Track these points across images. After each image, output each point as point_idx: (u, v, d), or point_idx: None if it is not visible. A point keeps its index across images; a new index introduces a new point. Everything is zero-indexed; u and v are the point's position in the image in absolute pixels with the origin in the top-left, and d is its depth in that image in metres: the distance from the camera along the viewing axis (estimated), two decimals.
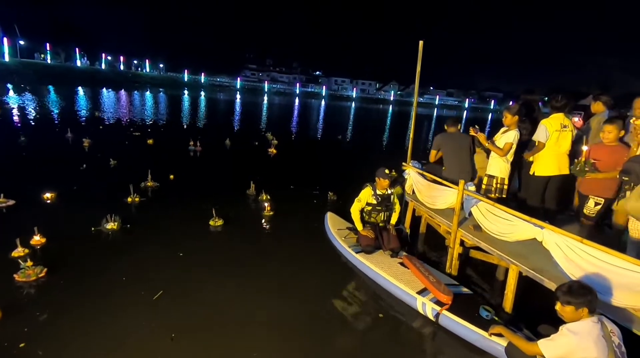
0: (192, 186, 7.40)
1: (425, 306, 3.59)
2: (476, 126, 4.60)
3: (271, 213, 6.19)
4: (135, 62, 72.91)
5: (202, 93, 53.19)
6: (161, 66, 78.08)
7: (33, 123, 14.14)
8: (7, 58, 42.82)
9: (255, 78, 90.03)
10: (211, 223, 5.44)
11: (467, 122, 43.79)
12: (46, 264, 3.90)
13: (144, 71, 72.02)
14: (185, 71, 72.71)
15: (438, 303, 3.56)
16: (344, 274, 4.47)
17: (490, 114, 75.43)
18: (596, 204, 3.74)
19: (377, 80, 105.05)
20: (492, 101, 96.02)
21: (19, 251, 4.02)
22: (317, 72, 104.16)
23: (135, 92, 41.18)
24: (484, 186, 4.30)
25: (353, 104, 64.42)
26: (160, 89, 50.89)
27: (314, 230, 5.63)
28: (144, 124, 16.25)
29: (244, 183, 7.37)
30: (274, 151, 11.72)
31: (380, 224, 4.74)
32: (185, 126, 17.34)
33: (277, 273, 4.30)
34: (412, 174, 5.54)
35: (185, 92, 50.02)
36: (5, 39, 42.62)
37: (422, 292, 3.75)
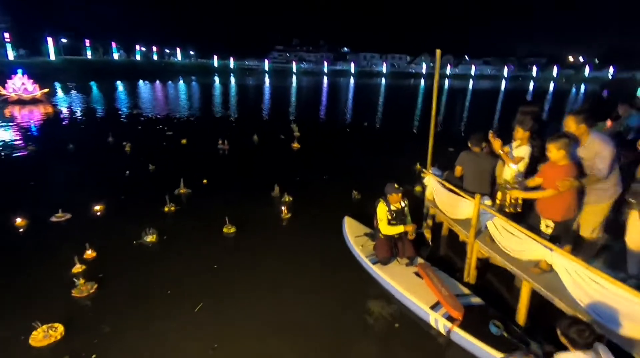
0: (221, 191, 7.84)
1: (438, 322, 3.77)
2: (492, 131, 4.55)
3: (288, 215, 6.55)
4: (167, 51, 74.96)
5: (232, 79, 54.09)
6: (192, 53, 79.70)
7: (79, 126, 15.35)
8: (52, 57, 45.63)
9: (283, 59, 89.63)
10: (224, 230, 5.86)
11: (505, 95, 41.45)
12: (97, 279, 4.49)
13: (176, 59, 73.98)
14: (215, 56, 73.82)
15: (450, 318, 3.72)
16: (363, 282, 4.71)
17: (532, 83, 70.56)
18: (547, 226, 3.72)
19: (408, 53, 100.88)
20: (534, 67, 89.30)
21: (77, 268, 4.62)
22: (345, 49, 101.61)
23: (170, 82, 42.73)
24: (498, 201, 4.30)
25: (383, 81, 62.73)
26: (193, 78, 52.34)
27: (335, 233, 5.84)
28: (177, 120, 17.07)
29: (269, 183, 7.71)
30: (297, 145, 11.96)
31: (396, 236, 4.89)
32: (216, 120, 17.99)
33: (299, 283, 4.64)
34: (432, 182, 5.58)
35: (216, 79, 51.04)
36: (50, 39, 45.30)
37: (435, 307, 3.92)
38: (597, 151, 3.38)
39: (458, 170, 5.20)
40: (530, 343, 3.35)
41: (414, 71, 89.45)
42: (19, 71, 20.78)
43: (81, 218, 6.18)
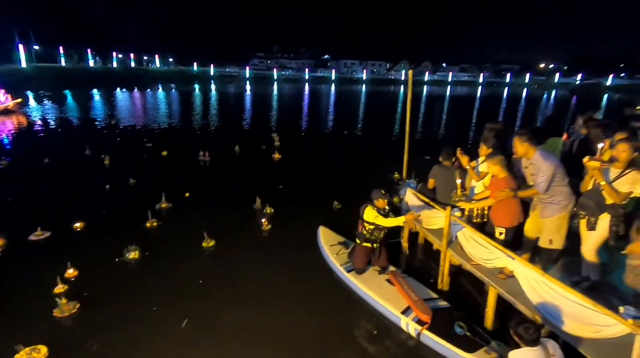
0: (202, 204, 7.92)
1: (409, 326, 4.04)
2: (460, 149, 4.90)
3: (269, 227, 6.74)
4: (145, 58, 73.81)
5: (213, 86, 53.74)
6: (171, 59, 78.75)
7: (54, 138, 15.01)
8: (24, 64, 44.19)
9: (264, 66, 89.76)
10: (204, 244, 6.00)
11: (481, 101, 42.96)
12: (80, 298, 4.52)
13: (155, 66, 72.92)
14: (195, 63, 73.19)
15: (419, 322, 3.99)
16: (338, 291, 4.93)
17: (506, 89, 73.28)
18: (500, 233, 4.23)
19: (387, 60, 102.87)
20: (509, 74, 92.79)
21: (59, 288, 4.63)
22: (326, 56, 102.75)
23: (148, 90, 42.06)
24: (466, 212, 4.62)
25: (363, 88, 63.74)
26: (172, 85, 51.68)
27: (314, 243, 6.03)
28: (157, 131, 16.96)
29: (250, 195, 7.86)
30: (278, 156, 12.14)
31: (376, 245, 5.04)
32: (196, 130, 17.93)
33: (278, 294, 4.80)
34: (407, 194, 5.88)
35: (196, 87, 50.59)
36: (21, 46, 43.90)
37: (405, 311, 4.19)
38: (538, 166, 3.73)
39: (431, 182, 5.52)
40: (491, 341, 3.65)
41: (393, 77, 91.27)
42: None
43: (61, 236, 6.14)
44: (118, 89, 41.28)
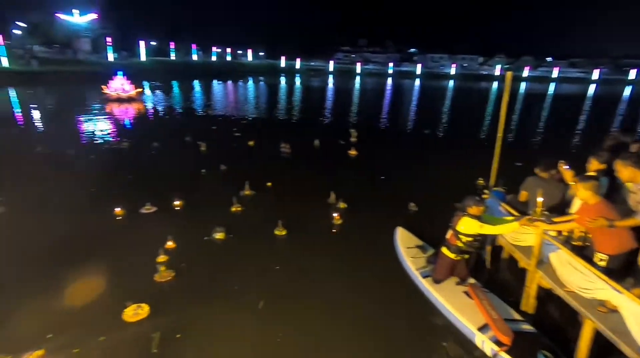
0: (281, 194, 8.34)
1: (484, 344, 3.77)
2: (564, 161, 4.35)
3: (340, 221, 6.84)
4: (239, 52, 79.73)
5: (298, 80, 55.85)
6: (261, 54, 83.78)
7: (162, 124, 17.23)
8: (143, 58, 51.23)
9: (348, 60, 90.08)
10: (276, 232, 6.36)
11: (594, 102, 37.11)
12: (175, 267, 5.18)
13: (247, 60, 78.37)
14: (283, 57, 76.73)
15: (497, 342, 3.70)
16: (411, 295, 4.80)
17: (629, 88, 62.16)
18: (601, 259, 3.70)
19: (480, 54, 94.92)
20: (634, 71, 78.41)
21: (161, 258, 5.36)
22: (412, 50, 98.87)
23: (240, 82, 45.53)
24: (565, 233, 4.10)
25: (451, 83, 60.00)
26: (261, 78, 55.11)
27: (386, 243, 5.97)
28: (246, 121, 18.29)
29: (326, 190, 8.04)
30: (355, 152, 12.14)
31: (467, 257, 4.63)
32: (280, 122, 18.91)
33: (346, 290, 4.87)
34: (492, 205, 5.45)
35: (282, 80, 53.09)
36: (142, 42, 50.99)
37: (483, 328, 3.91)
38: None
39: (523, 195, 5.01)
40: None
41: (486, 72, 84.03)
42: (120, 72, 23.84)
43: (164, 212, 7.07)
44: (215, 80, 45.48)
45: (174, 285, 4.93)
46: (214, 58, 70.94)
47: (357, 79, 64.60)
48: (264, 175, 9.17)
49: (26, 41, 43.08)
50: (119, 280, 4.97)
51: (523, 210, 4.89)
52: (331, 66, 78.66)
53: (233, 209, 7.24)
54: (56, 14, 47.08)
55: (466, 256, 4.58)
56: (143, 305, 4.38)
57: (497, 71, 79.89)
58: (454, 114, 24.96)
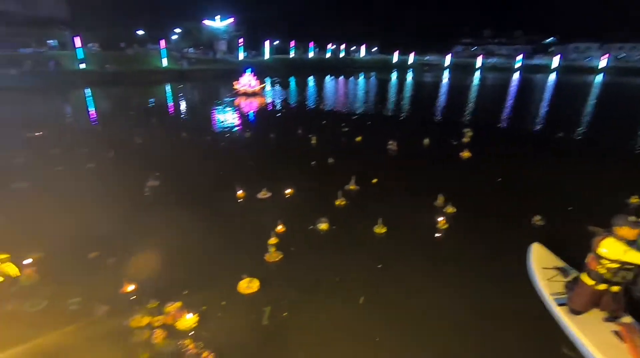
0: (385, 192, 8.29)
1: None
2: None
3: (446, 226, 6.50)
4: (353, 48, 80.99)
5: (410, 75, 54.09)
6: (374, 49, 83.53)
7: (278, 117, 18.79)
8: (267, 56, 56.47)
9: (467, 53, 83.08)
10: (376, 229, 6.34)
11: None
12: (284, 250, 5.66)
13: (359, 55, 79.13)
14: (396, 52, 75.11)
15: None
16: (535, 318, 4.28)
17: None
18: None
19: None
20: None
21: (272, 240, 5.93)
22: (550, 39, 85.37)
23: (352, 78, 46.39)
24: None
25: (599, 78, 50.00)
26: (372, 73, 55.12)
27: (500, 257, 5.44)
28: (354, 116, 18.61)
29: (433, 191, 7.67)
30: (468, 154, 11.18)
31: (616, 289, 3.81)
32: (388, 118, 18.67)
33: (452, 299, 4.60)
34: None
35: (393, 75, 52.13)
36: (267, 42, 56.19)
37: None
38: None
39: None
40: None
41: None
42: (248, 70, 26.83)
43: (277, 198, 7.77)
44: (328, 76, 47.35)
45: (282, 266, 5.41)
46: (328, 55, 73.72)
47: (477, 74, 59.10)
48: (369, 171, 9.24)
49: (180, 44, 51.92)
50: (236, 255, 5.68)
51: None
52: (447, 60, 73.68)
53: (337, 202, 7.50)
54: (203, 21, 55.36)
55: (614, 288, 3.79)
56: (255, 280, 4.93)
57: None
58: (600, 116, 20.77)
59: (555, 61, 66.95)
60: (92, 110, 21.37)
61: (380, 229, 6.38)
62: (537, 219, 6.65)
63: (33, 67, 31.43)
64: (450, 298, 4.66)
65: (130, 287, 4.70)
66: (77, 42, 34.67)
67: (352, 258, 5.59)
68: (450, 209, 7.16)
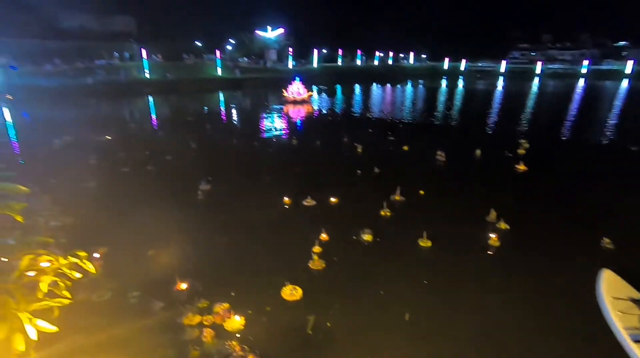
0: (430, 203, 8.03)
1: None
2: None
3: (498, 244, 6.14)
4: (401, 55, 79.79)
5: (461, 82, 52.15)
6: (423, 56, 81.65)
7: (323, 125, 18.99)
8: (315, 65, 57.51)
9: (525, 59, 78.24)
10: (420, 242, 6.16)
11: None
12: (326, 259, 5.69)
13: (407, 62, 77.80)
14: (447, 59, 72.87)
15: None
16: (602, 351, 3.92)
17: None
18: None
19: None
20: None
21: (316, 248, 6.00)
22: (622, 43, 77.79)
23: (398, 85, 45.73)
24: None
25: None
26: (420, 81, 53.91)
27: (569, 280, 5.04)
28: (400, 124, 18.27)
29: (483, 205, 7.30)
30: (524, 167, 10.46)
31: None
32: (436, 127, 18.10)
33: (510, 325, 4.32)
34: None
35: (444, 83, 50.57)
36: (315, 51, 57.27)
37: None
38: None
39: None
40: None
41: None
42: (297, 78, 27.53)
43: (321, 206, 7.83)
44: (374, 83, 47.07)
45: (325, 274, 5.44)
46: (375, 62, 73.34)
47: (536, 80, 55.46)
48: (416, 182, 9.02)
49: (234, 54, 54.60)
50: (281, 260, 5.81)
51: None
52: (502, 66, 69.94)
53: (382, 213, 7.40)
54: (256, 31, 57.78)
55: None
56: (298, 287, 5.00)
57: None
58: None
59: (629, 66, 60.82)
60: (153, 116, 23.13)
61: (425, 243, 6.19)
62: (607, 243, 6.07)
63: (105, 77, 34.80)
64: (498, 321, 4.38)
65: (183, 285, 4.98)
66: (144, 54, 37.87)
67: (395, 271, 5.48)
68: (503, 225, 6.77)
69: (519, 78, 59.14)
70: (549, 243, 6.30)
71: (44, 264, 1.88)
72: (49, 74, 32.81)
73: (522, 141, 13.17)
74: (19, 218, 1.89)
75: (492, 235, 6.30)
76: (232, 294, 4.85)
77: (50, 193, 8.02)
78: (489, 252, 6.06)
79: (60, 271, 1.91)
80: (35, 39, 39.84)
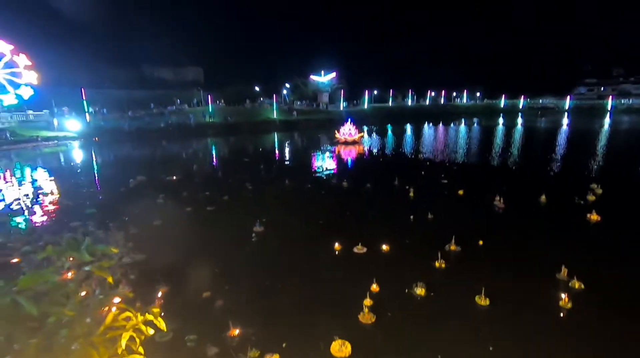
0: (489, 255, 7.51)
1: None
2: None
3: (570, 305, 5.55)
4: (455, 94, 78.97)
5: (519, 120, 49.81)
6: (478, 94, 79.96)
7: (374, 166, 19.05)
8: (366, 106, 59.00)
9: (593, 94, 73.14)
10: (478, 300, 5.75)
11: None
12: (377, 312, 5.51)
13: (461, 101, 76.56)
14: (503, 96, 70.69)
15: None
16: None
17: None
18: None
19: None
20: None
21: (367, 301, 5.84)
22: None
23: (452, 125, 44.83)
24: None
25: None
26: (475, 119, 52.43)
27: None
28: (454, 166, 17.71)
29: (554, 260, 6.68)
30: (596, 216, 9.44)
31: None
32: (494, 169, 17.25)
33: None
34: None
35: (501, 121, 48.66)
36: (366, 92, 59.08)
37: None
38: None
39: None
40: None
41: None
42: (349, 119, 28.39)
43: (373, 254, 7.70)
44: (426, 123, 46.69)
45: (375, 330, 5.24)
46: (427, 102, 73.24)
47: (608, 117, 51.18)
48: (472, 230, 8.58)
49: (289, 97, 58.12)
50: (331, 310, 5.73)
51: None
52: (567, 102, 65.90)
53: (437, 264, 7.07)
54: (310, 76, 61.34)
55: None
56: (347, 343, 4.86)
57: None
58: None
59: None
60: (214, 157, 24.98)
61: (483, 300, 5.76)
62: None
63: (175, 121, 38.75)
64: None
65: (236, 331, 5.11)
66: (209, 100, 41.89)
67: (451, 332, 5.12)
68: (576, 284, 6.11)
69: (587, 115, 55.08)
70: (631, 306, 5.53)
71: (125, 319, 2.11)
72: (130, 118, 37.45)
73: (594, 185, 12.08)
74: (110, 280, 2.17)
75: (564, 295, 5.70)
76: (283, 345, 4.84)
77: (123, 230, 8.86)
78: (560, 314, 5.47)
79: (137, 327, 2.12)
80: (122, 89, 46.32)
